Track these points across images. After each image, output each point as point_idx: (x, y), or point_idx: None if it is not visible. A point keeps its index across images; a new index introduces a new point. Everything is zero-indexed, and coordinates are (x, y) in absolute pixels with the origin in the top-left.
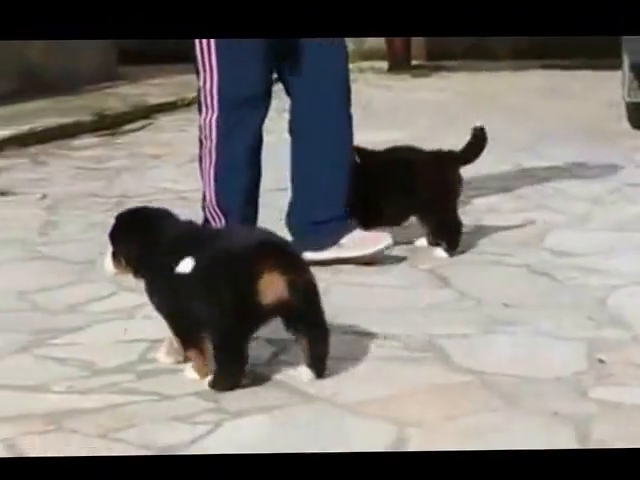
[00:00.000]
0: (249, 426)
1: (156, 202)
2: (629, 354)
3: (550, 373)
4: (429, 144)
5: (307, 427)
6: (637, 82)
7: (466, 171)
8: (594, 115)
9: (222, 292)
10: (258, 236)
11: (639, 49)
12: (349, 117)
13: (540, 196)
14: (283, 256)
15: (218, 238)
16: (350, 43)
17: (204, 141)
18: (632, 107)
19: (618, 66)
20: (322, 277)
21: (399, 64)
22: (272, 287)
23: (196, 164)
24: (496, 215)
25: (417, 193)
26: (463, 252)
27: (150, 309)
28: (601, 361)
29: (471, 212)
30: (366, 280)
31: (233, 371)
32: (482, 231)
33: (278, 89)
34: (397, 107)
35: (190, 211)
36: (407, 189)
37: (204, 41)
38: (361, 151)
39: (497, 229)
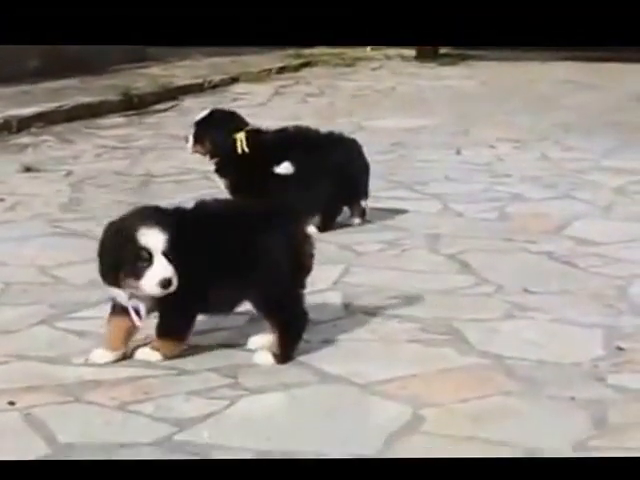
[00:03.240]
0: (266, 403)
1: (180, 182)
2: None
3: (568, 359)
4: (450, 130)
5: (324, 405)
6: None
7: (492, 160)
8: (621, 107)
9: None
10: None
11: None
12: None
13: (565, 186)
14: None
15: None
16: None
17: None
18: None
19: None
20: (343, 258)
21: (426, 52)
22: (309, 254)
23: None
24: (520, 203)
25: None
26: (486, 239)
27: None
28: (620, 348)
29: (495, 200)
30: (387, 263)
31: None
32: (505, 219)
33: None
34: (422, 95)
35: (215, 191)
36: None
37: None
38: None
39: (520, 217)
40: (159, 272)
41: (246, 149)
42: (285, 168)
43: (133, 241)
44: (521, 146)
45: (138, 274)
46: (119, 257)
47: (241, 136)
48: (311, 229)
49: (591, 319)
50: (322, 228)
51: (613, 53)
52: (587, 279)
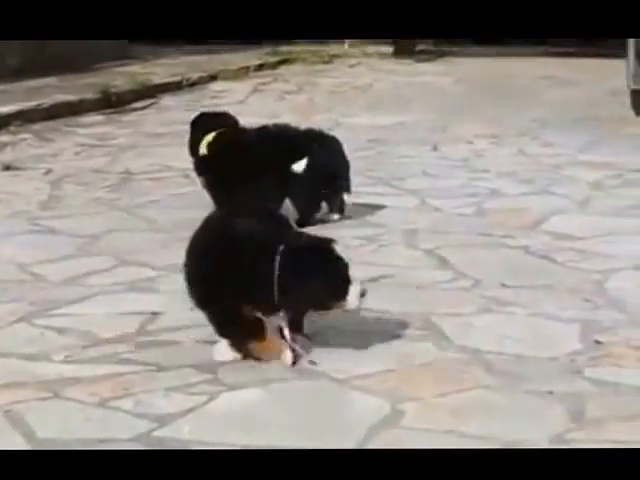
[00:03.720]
0: (245, 399)
1: (159, 179)
2: (625, 336)
3: (546, 353)
4: (428, 127)
5: (303, 400)
6: None
7: (470, 156)
8: (598, 102)
9: None
10: None
11: None
12: None
13: (542, 181)
14: None
15: None
16: None
17: None
18: (636, 95)
19: (623, 54)
20: None
21: (404, 49)
22: None
23: None
24: (498, 199)
25: None
26: (463, 234)
27: (150, 283)
28: (597, 342)
29: (473, 195)
30: (366, 258)
31: None
32: (483, 214)
33: None
34: (400, 91)
35: (194, 189)
36: None
37: None
38: None
39: (498, 212)
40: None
41: (204, 151)
42: (300, 166)
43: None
44: (498, 142)
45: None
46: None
47: (209, 137)
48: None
49: (569, 313)
50: (301, 224)
51: (589, 49)
52: (564, 274)
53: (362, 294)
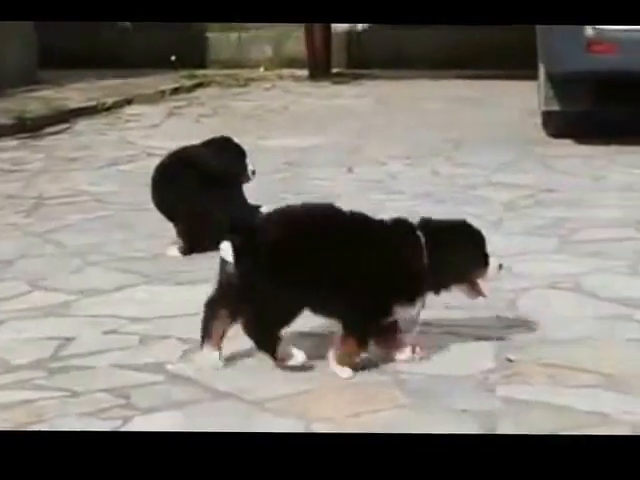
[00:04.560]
0: (159, 422)
1: (73, 204)
2: (535, 354)
3: (460, 371)
4: (343, 148)
5: (216, 423)
6: (552, 91)
7: (384, 177)
8: (511, 123)
9: None
10: None
11: (554, 60)
12: None
13: (456, 201)
14: None
15: None
16: (269, 50)
17: None
18: (547, 116)
19: (534, 76)
20: None
21: (319, 71)
22: None
23: (113, 167)
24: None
25: None
26: None
27: (63, 309)
28: (509, 360)
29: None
30: None
31: None
32: None
33: None
34: (315, 114)
35: (107, 213)
36: None
37: None
38: None
39: None
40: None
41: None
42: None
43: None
44: (413, 163)
45: None
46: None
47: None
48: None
49: (482, 332)
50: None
51: (503, 71)
52: None
53: (500, 266)
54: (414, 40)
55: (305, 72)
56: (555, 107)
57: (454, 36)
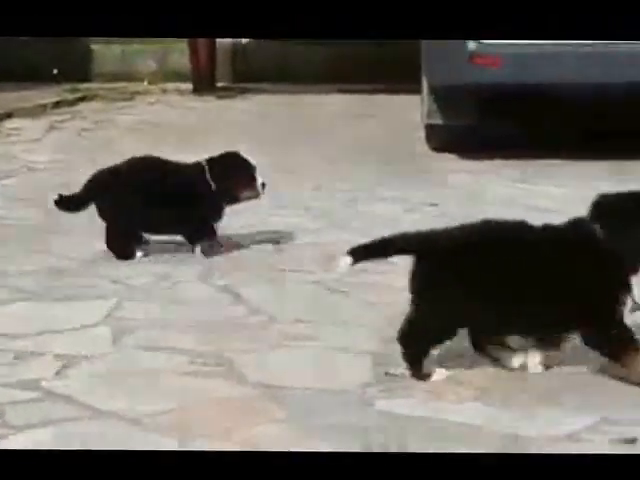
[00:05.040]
0: (35, 440)
1: None
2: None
3: (337, 385)
4: None
5: (94, 442)
6: (435, 105)
7: (267, 190)
8: (394, 137)
9: None
10: None
11: (437, 73)
12: None
13: (338, 215)
14: None
15: None
16: (153, 63)
17: None
18: (430, 129)
19: (417, 90)
20: (115, 292)
21: (204, 85)
22: None
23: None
24: (295, 234)
25: None
26: (260, 270)
27: None
28: (388, 374)
29: (270, 232)
30: (159, 296)
31: None
32: (280, 250)
33: None
34: (199, 128)
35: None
36: None
37: None
38: None
39: (295, 248)
40: None
41: None
42: None
43: None
44: (296, 177)
45: None
46: None
47: None
48: None
49: (361, 346)
50: None
51: (386, 85)
52: (358, 307)
53: None
54: (299, 54)
55: (190, 86)
56: (438, 120)
57: (340, 50)
